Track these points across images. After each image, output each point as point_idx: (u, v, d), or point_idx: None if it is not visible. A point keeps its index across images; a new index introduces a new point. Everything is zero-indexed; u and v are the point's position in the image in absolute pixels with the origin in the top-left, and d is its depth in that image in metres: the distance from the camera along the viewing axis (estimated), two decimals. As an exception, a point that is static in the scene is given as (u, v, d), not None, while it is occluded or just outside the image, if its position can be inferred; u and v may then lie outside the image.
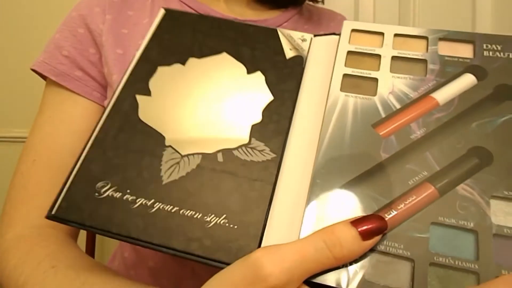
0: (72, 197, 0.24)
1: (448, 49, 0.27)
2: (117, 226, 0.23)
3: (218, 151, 0.26)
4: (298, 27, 0.53)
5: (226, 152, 0.26)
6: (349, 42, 0.29)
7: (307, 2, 0.58)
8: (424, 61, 0.27)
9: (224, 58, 0.30)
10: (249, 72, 0.29)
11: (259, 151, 0.26)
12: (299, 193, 0.24)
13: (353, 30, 0.30)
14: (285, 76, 0.29)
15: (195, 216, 0.23)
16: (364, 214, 0.22)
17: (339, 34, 0.29)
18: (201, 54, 0.31)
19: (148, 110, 0.28)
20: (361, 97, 0.26)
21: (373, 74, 0.27)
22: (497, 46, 0.26)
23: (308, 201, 0.23)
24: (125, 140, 0.26)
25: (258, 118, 0.27)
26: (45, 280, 0.30)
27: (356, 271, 0.20)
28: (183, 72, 0.30)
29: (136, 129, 0.27)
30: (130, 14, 0.47)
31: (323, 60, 0.30)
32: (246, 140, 0.26)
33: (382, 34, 0.29)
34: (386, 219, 0.21)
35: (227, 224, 0.23)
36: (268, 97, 0.28)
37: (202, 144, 0.26)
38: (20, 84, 1.05)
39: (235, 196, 0.24)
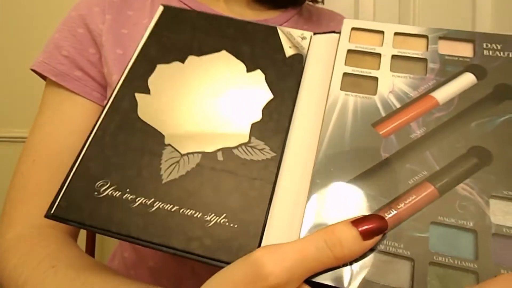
0: (72, 196, 0.24)
1: (448, 48, 0.27)
2: (117, 225, 0.23)
3: (218, 150, 0.26)
4: (297, 27, 0.53)
5: (226, 151, 0.26)
6: (349, 41, 0.29)
7: (307, 2, 0.58)
8: (424, 60, 0.27)
9: (224, 56, 0.30)
10: (248, 70, 0.29)
11: (259, 150, 0.26)
12: (299, 192, 0.24)
13: (353, 29, 0.29)
14: (285, 75, 0.29)
15: (195, 215, 0.23)
16: (364, 214, 0.22)
17: (339, 32, 0.29)
18: (200, 52, 0.31)
19: (148, 108, 0.28)
20: (361, 96, 0.26)
21: (373, 73, 0.27)
22: (497, 45, 0.26)
23: (308, 200, 0.23)
24: (124, 139, 0.26)
25: (258, 117, 0.27)
26: (45, 280, 0.30)
27: (357, 270, 0.20)
28: (183, 70, 0.30)
29: (135, 127, 0.27)
30: (130, 14, 0.47)
31: (323, 58, 0.30)
32: (246, 139, 0.26)
33: (382, 32, 0.29)
34: (386, 218, 0.21)
35: (227, 223, 0.23)
36: (268, 95, 0.28)
37: (202, 142, 0.26)
38: (20, 84, 1.05)
39: (235, 195, 0.24)
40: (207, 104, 0.28)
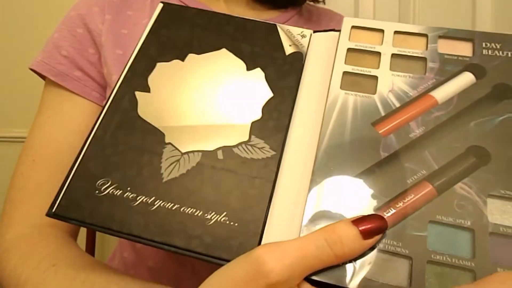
0: (73, 194, 0.24)
1: (448, 47, 0.27)
2: (118, 223, 0.23)
3: (218, 148, 0.26)
4: None
5: (226, 149, 0.26)
6: (349, 39, 0.29)
7: (307, 2, 0.58)
8: (423, 59, 0.27)
9: (224, 54, 0.30)
10: (248, 68, 0.30)
11: (259, 148, 0.26)
12: (299, 191, 0.24)
13: (353, 27, 0.30)
14: (285, 73, 0.29)
15: (195, 214, 0.23)
16: (364, 212, 0.22)
17: (339, 31, 0.30)
18: (200, 50, 0.31)
19: (148, 107, 0.28)
20: (361, 95, 0.26)
21: (373, 72, 0.27)
22: (496, 44, 0.27)
23: (308, 198, 0.23)
24: (124, 138, 0.26)
25: (258, 115, 0.27)
26: (45, 279, 0.30)
27: (356, 269, 0.20)
28: (183, 68, 0.30)
29: (135, 126, 0.27)
30: (130, 14, 0.47)
31: (323, 56, 0.30)
32: (246, 137, 0.26)
33: (382, 31, 0.29)
34: (385, 217, 0.21)
35: (227, 222, 0.23)
36: (268, 94, 0.28)
37: (202, 141, 0.26)
38: (20, 84, 1.05)
39: (235, 193, 0.24)
40: (207, 102, 0.28)
